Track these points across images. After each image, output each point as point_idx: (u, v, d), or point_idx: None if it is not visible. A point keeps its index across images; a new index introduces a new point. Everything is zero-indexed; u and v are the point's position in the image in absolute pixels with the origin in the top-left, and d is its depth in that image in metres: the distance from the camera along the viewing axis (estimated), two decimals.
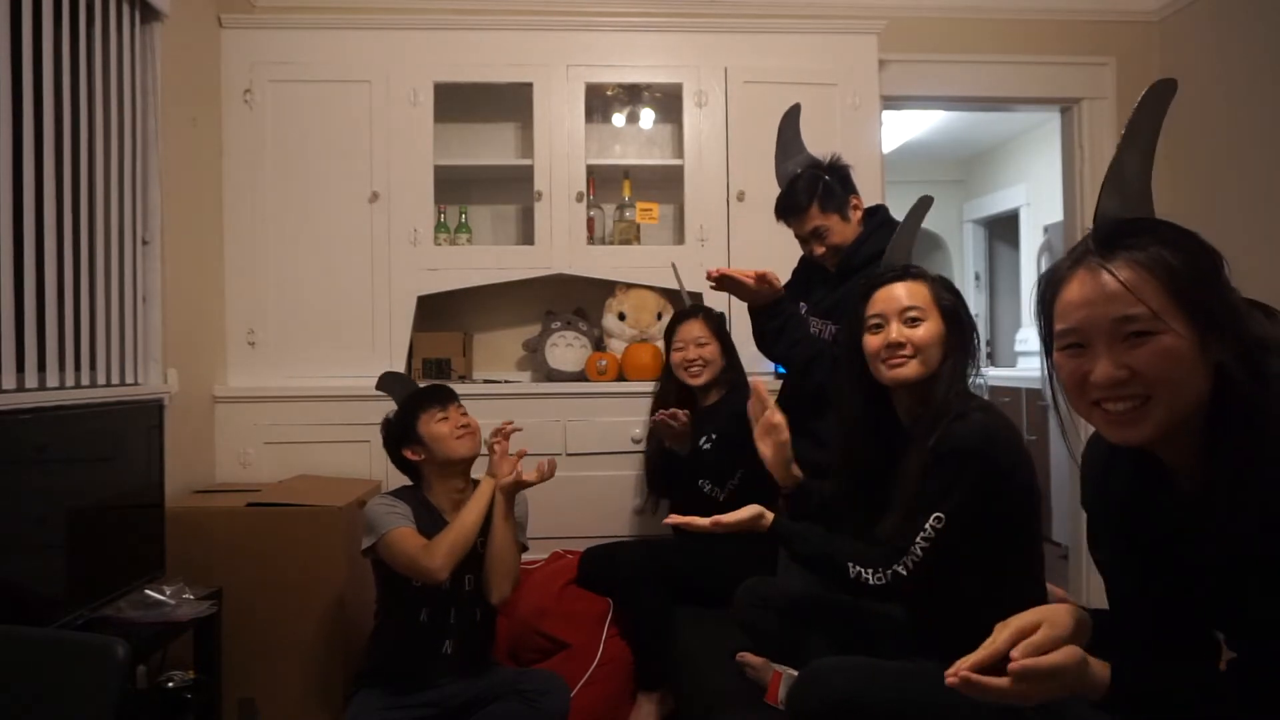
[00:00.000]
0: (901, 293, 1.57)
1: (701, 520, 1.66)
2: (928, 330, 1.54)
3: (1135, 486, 1.07)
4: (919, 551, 1.45)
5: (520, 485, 2.11)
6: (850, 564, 1.50)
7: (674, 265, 2.88)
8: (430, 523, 2.07)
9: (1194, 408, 0.94)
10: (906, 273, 1.61)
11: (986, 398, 1.62)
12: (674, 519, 1.71)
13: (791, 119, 2.34)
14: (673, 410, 2.47)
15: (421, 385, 2.30)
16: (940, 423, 1.49)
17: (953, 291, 1.60)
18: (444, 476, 2.16)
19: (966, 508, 1.45)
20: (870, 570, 1.49)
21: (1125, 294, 0.92)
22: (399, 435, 2.17)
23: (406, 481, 2.21)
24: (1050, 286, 1.01)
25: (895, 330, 1.55)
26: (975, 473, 1.45)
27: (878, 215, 2.27)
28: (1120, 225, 0.97)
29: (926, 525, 1.44)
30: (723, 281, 2.23)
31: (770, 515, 1.64)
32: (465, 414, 2.20)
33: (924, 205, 1.86)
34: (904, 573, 1.46)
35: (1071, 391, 0.99)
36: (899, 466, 1.55)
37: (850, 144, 2.87)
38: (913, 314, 1.55)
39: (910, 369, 1.54)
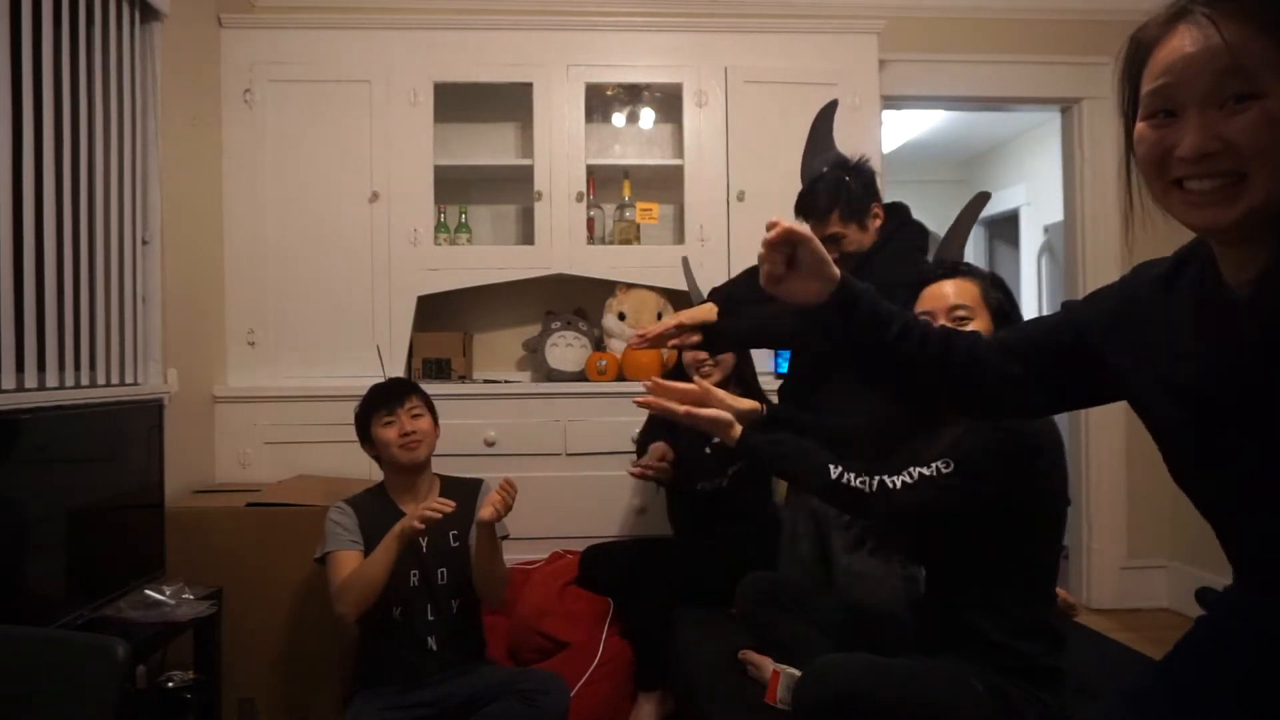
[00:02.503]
0: (950, 290, 1.56)
1: (676, 407, 1.51)
2: (975, 329, 1.52)
3: (1189, 301, 0.93)
4: (915, 475, 1.42)
5: (495, 517, 2.00)
6: (832, 465, 1.46)
7: (685, 261, 2.85)
8: (387, 521, 2.04)
9: None
10: (956, 270, 1.59)
11: None
12: (645, 399, 1.53)
13: (826, 115, 2.26)
14: (659, 459, 2.44)
15: (389, 378, 2.33)
16: None
17: (1002, 290, 1.59)
18: (397, 474, 2.17)
19: (976, 474, 1.42)
20: (856, 476, 1.44)
21: (1231, 48, 0.78)
22: (359, 431, 2.20)
23: None
24: (1141, 48, 0.88)
25: None
26: (1000, 448, 1.43)
27: (900, 215, 2.22)
28: None
29: (934, 464, 1.42)
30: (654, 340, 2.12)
31: (739, 426, 1.54)
32: (418, 414, 2.16)
33: (980, 201, 1.83)
34: (890, 486, 1.42)
35: (1149, 169, 0.87)
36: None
37: (850, 144, 2.86)
38: (960, 313, 1.53)
39: None
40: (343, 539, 2.06)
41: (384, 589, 1.99)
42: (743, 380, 2.61)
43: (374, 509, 2.13)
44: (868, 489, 1.43)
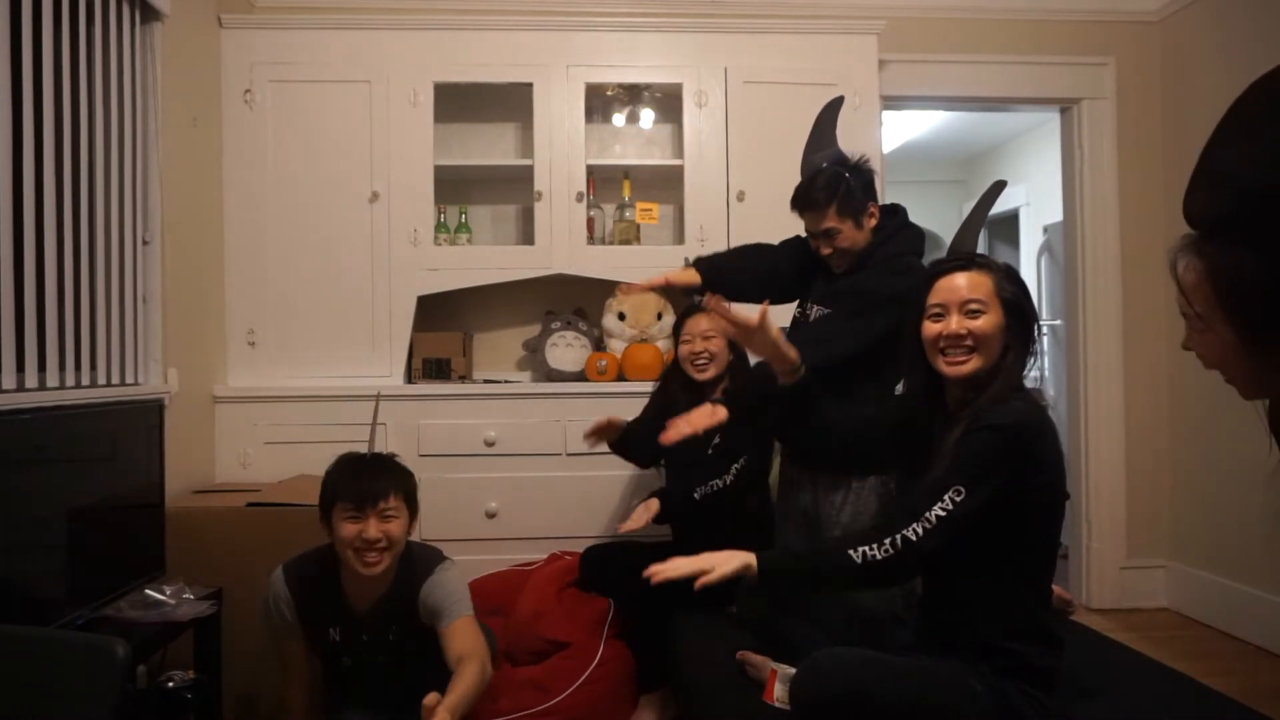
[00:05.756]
0: (963, 283, 1.55)
1: (687, 565, 1.54)
2: (987, 322, 1.52)
3: None
4: (933, 518, 1.42)
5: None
6: (852, 551, 1.45)
7: (687, 260, 2.85)
8: (328, 612, 1.93)
9: None
10: (972, 262, 1.59)
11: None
12: (656, 570, 1.55)
13: (832, 111, 2.27)
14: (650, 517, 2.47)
15: (364, 454, 1.99)
16: (984, 407, 1.49)
17: (1017, 283, 1.58)
18: (352, 567, 1.88)
19: (986, 484, 1.43)
20: (876, 545, 1.44)
21: (1188, 291, 1.01)
22: (321, 503, 1.91)
23: None
24: (1170, 257, 1.09)
25: (956, 321, 1.53)
26: (1001, 451, 1.44)
27: (898, 216, 2.23)
28: (1212, 225, 1.01)
29: (945, 496, 1.43)
30: (638, 290, 2.30)
31: (754, 562, 1.52)
32: (391, 515, 1.84)
33: (996, 190, 1.83)
34: (914, 538, 1.42)
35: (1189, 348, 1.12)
36: (939, 445, 1.55)
37: (850, 144, 2.86)
38: (973, 306, 1.53)
39: (970, 366, 1.53)
40: (280, 628, 1.96)
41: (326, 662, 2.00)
42: (737, 378, 2.62)
43: (317, 594, 1.93)
44: (895, 552, 1.43)
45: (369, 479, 1.87)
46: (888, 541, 1.43)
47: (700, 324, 2.57)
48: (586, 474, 3.01)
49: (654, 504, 2.46)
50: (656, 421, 2.59)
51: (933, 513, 1.43)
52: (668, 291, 3.05)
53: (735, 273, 2.30)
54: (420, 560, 1.96)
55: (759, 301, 2.38)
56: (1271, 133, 0.94)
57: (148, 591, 2.09)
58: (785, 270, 2.29)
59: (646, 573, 1.56)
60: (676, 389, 2.65)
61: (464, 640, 1.83)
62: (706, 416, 1.98)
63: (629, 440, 2.60)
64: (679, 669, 2.17)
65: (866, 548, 1.44)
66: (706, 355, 2.55)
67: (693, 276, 2.24)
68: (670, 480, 2.55)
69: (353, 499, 1.83)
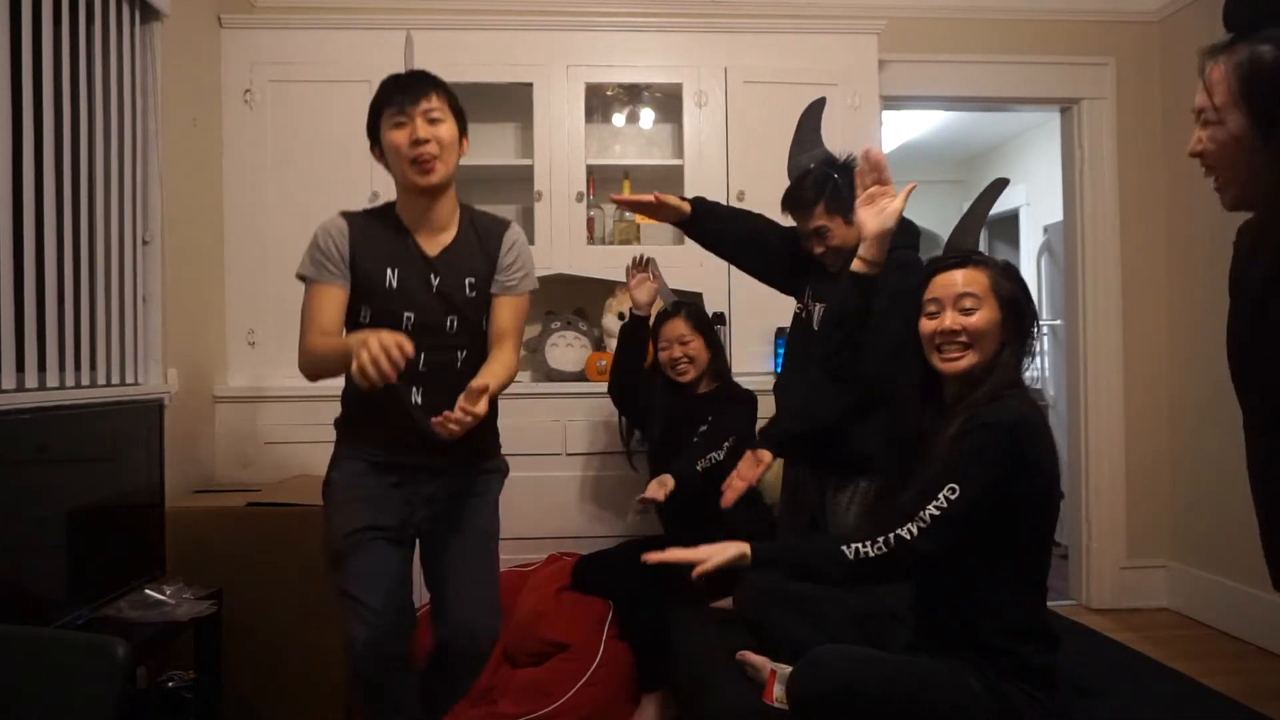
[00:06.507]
0: (959, 279, 1.56)
1: (683, 554, 1.56)
2: (982, 318, 1.53)
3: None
4: (928, 518, 1.42)
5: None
6: (845, 546, 1.46)
7: (652, 260, 2.84)
8: (388, 242, 1.81)
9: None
10: (969, 259, 1.60)
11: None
12: (654, 556, 1.58)
13: (814, 112, 2.29)
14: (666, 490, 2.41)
15: (408, 70, 1.90)
16: (979, 404, 1.49)
17: (1014, 280, 1.58)
18: (409, 194, 1.81)
19: (982, 482, 1.43)
20: (869, 543, 1.44)
21: (1212, 85, 1.08)
22: (369, 129, 1.83)
23: None
24: (1200, 58, 1.14)
25: (950, 318, 1.54)
26: (997, 450, 1.44)
27: None
28: (1241, 22, 1.07)
29: (940, 495, 1.43)
30: (625, 205, 2.27)
31: (749, 550, 1.54)
32: (437, 118, 1.76)
33: (997, 188, 1.83)
34: (908, 537, 1.42)
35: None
36: (933, 441, 1.55)
37: (850, 144, 2.86)
38: (968, 302, 1.54)
39: (965, 362, 1.53)
40: (323, 268, 1.79)
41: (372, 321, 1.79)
42: (719, 375, 2.63)
43: (375, 230, 1.82)
44: (888, 550, 1.43)
45: (408, 80, 1.80)
46: (880, 540, 1.44)
47: (676, 328, 2.58)
48: (586, 474, 3.01)
49: (668, 479, 2.42)
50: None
51: (927, 511, 1.43)
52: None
53: (725, 220, 2.31)
54: (490, 216, 1.93)
55: (734, 259, 2.41)
56: None
57: (148, 591, 2.09)
58: (773, 246, 2.30)
59: (645, 558, 1.58)
60: (657, 390, 2.67)
61: (513, 316, 1.85)
62: (753, 466, 2.01)
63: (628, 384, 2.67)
64: (679, 669, 2.17)
65: (860, 544, 1.45)
66: (686, 359, 2.56)
67: (684, 206, 2.24)
68: (671, 461, 2.54)
69: (396, 102, 1.76)
